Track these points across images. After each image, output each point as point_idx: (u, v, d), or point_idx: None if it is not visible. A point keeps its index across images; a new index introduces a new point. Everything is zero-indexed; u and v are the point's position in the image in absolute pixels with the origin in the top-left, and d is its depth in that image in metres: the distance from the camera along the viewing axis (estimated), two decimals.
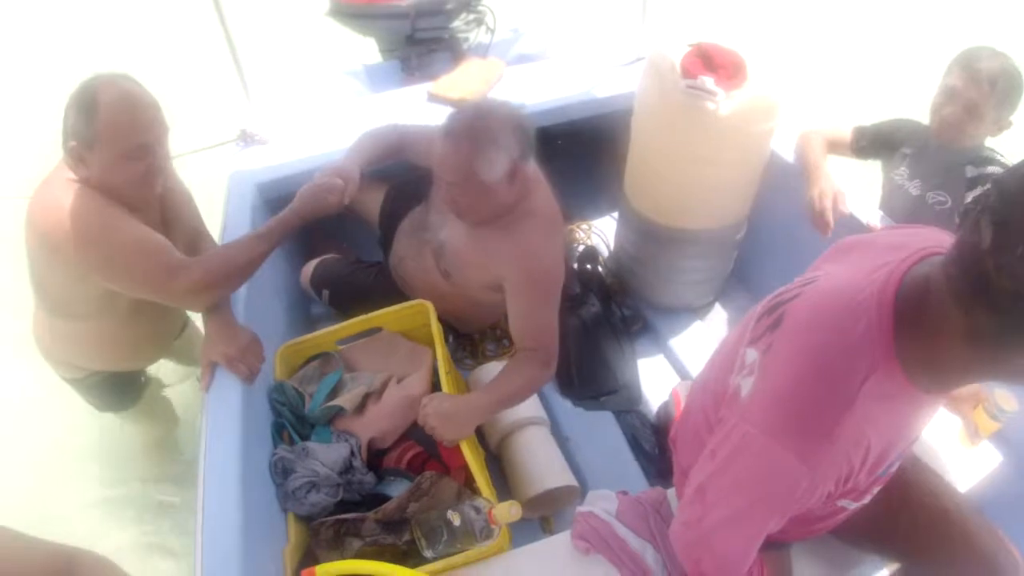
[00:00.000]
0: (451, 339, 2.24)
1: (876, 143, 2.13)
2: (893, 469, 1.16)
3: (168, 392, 2.39)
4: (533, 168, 1.81)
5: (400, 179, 2.19)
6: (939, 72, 1.88)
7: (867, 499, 1.21)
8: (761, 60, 1.85)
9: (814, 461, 0.94)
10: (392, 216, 2.22)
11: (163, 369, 2.33)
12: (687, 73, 1.84)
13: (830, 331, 0.95)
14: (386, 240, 2.23)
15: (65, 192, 1.50)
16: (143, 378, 2.14)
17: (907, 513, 1.34)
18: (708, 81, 1.79)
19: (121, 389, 2.05)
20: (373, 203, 2.27)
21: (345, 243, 2.57)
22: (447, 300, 1.96)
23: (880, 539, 1.39)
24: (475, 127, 1.63)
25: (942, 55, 1.89)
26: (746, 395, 1.03)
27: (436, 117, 1.78)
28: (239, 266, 1.65)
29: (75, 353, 1.88)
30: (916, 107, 2.03)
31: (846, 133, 2.16)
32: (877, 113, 2.18)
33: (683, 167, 2.03)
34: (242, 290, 1.79)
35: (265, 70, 2.77)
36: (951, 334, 0.83)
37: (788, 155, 2.19)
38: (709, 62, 1.81)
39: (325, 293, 2.23)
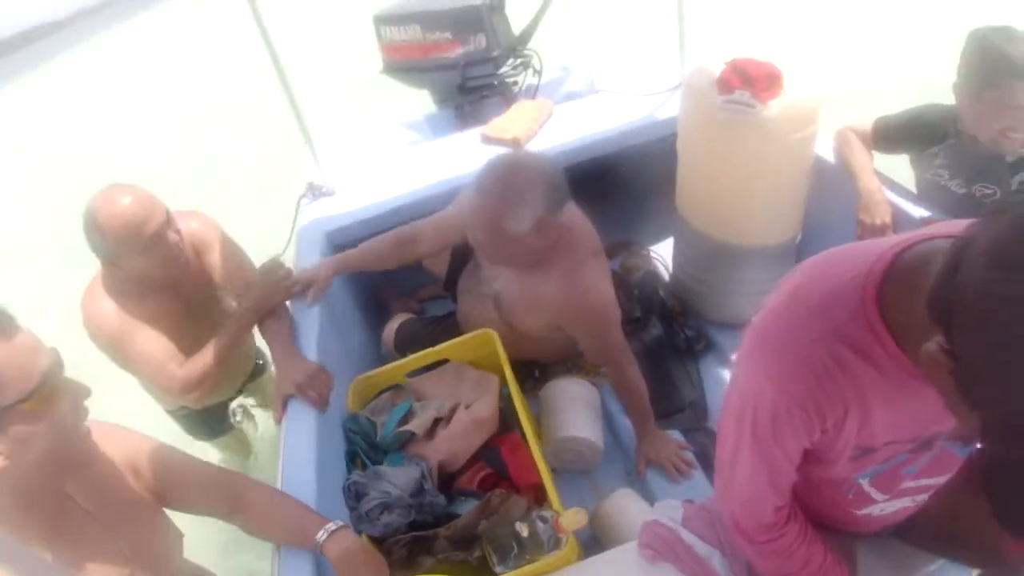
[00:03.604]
0: (537, 373, 2.31)
1: (898, 139, 2.01)
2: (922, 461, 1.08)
3: (252, 431, 2.59)
4: (568, 208, 1.86)
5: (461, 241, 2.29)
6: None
7: (916, 497, 1.15)
8: (797, 68, 1.88)
9: (781, 380, 0.94)
10: (454, 276, 2.35)
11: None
12: (724, 89, 1.89)
13: (822, 276, 0.95)
14: (455, 297, 2.36)
15: (95, 301, 1.79)
16: (225, 415, 2.35)
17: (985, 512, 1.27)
18: (743, 94, 1.84)
19: (206, 422, 2.30)
20: (442, 265, 2.41)
21: (408, 295, 2.80)
22: (520, 343, 2.04)
23: (956, 542, 1.31)
24: (503, 183, 1.67)
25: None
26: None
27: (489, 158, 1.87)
28: (214, 365, 1.88)
29: (157, 391, 2.10)
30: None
31: (869, 127, 2.05)
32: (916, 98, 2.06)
33: (729, 180, 2.06)
34: (315, 329, 1.92)
35: (328, 127, 2.94)
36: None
37: (833, 157, 2.17)
38: (745, 76, 1.85)
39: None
